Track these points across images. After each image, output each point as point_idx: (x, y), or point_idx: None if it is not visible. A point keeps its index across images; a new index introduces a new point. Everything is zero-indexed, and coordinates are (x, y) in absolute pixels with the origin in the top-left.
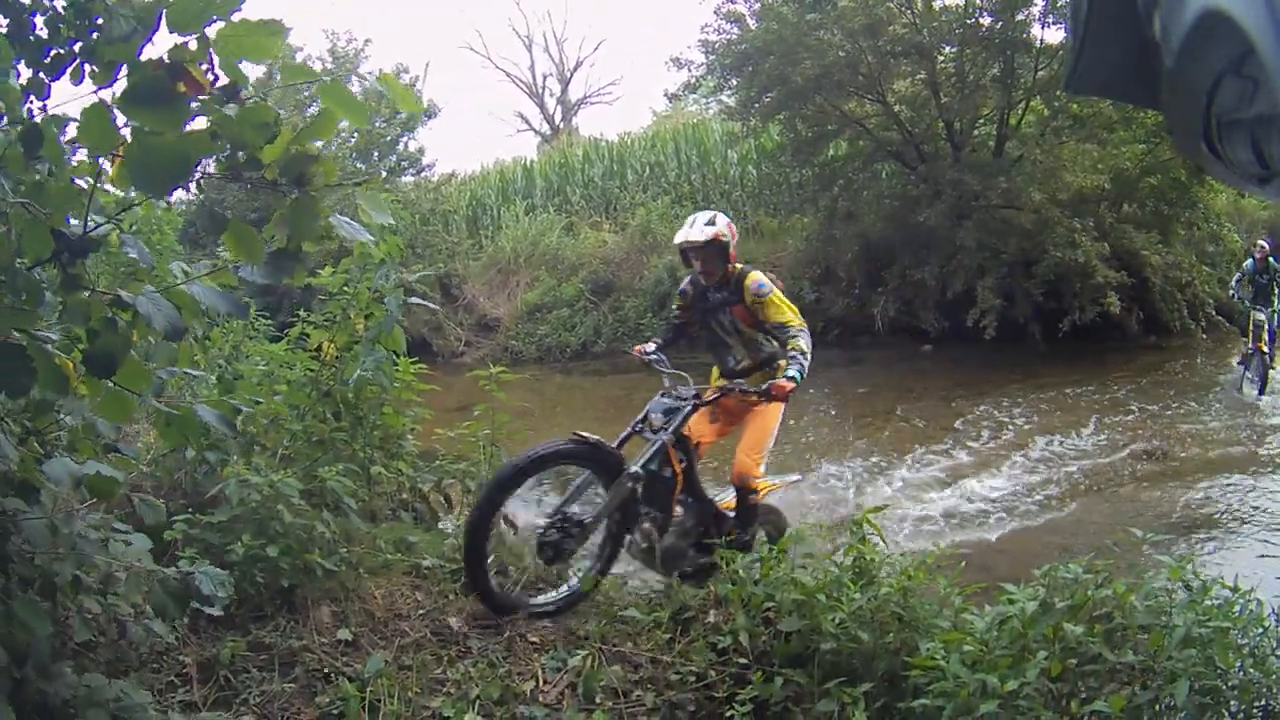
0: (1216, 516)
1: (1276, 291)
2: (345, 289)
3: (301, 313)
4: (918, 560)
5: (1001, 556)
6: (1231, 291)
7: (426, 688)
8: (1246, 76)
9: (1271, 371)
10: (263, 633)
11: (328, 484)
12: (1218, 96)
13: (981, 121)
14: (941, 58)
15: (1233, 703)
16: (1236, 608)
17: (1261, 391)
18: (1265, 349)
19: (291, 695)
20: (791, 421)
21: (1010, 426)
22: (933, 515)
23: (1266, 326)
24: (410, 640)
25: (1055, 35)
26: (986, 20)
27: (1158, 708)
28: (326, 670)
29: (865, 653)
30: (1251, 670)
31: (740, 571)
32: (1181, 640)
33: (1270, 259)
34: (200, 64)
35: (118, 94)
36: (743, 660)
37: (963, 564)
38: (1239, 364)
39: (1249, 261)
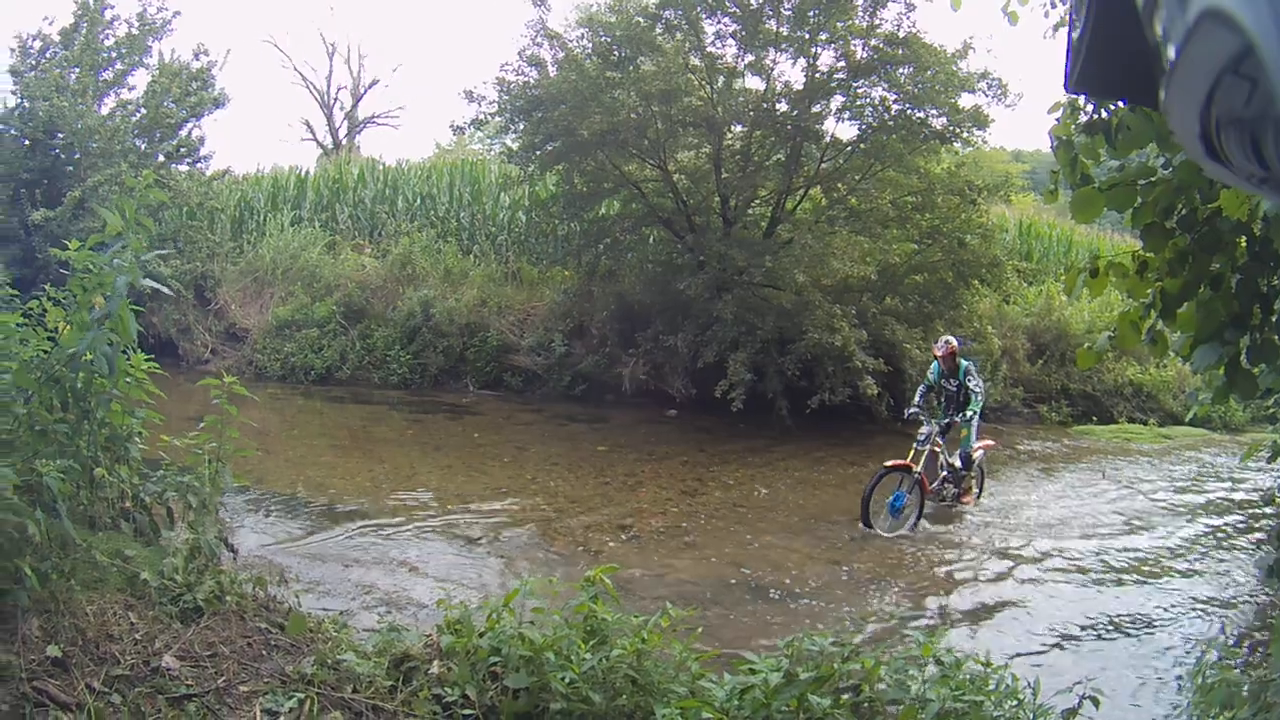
0: (975, 600)
1: (973, 398)
2: (90, 267)
3: (48, 288)
4: (652, 623)
5: (740, 627)
6: (913, 409)
7: None
8: (1246, 76)
9: (963, 505)
10: None
11: (45, 480)
12: (1217, 96)
13: (758, 202)
14: (730, 135)
15: None
16: (990, 682)
17: (915, 524)
18: (917, 469)
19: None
20: (529, 477)
21: (763, 497)
22: (682, 579)
23: (934, 444)
24: (123, 671)
25: (847, 131)
26: (783, 106)
27: None
28: (36, 690)
29: (597, 714)
30: None
31: (464, 622)
32: (936, 714)
33: (959, 357)
34: None
35: None
36: (468, 714)
37: (700, 630)
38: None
39: (933, 367)
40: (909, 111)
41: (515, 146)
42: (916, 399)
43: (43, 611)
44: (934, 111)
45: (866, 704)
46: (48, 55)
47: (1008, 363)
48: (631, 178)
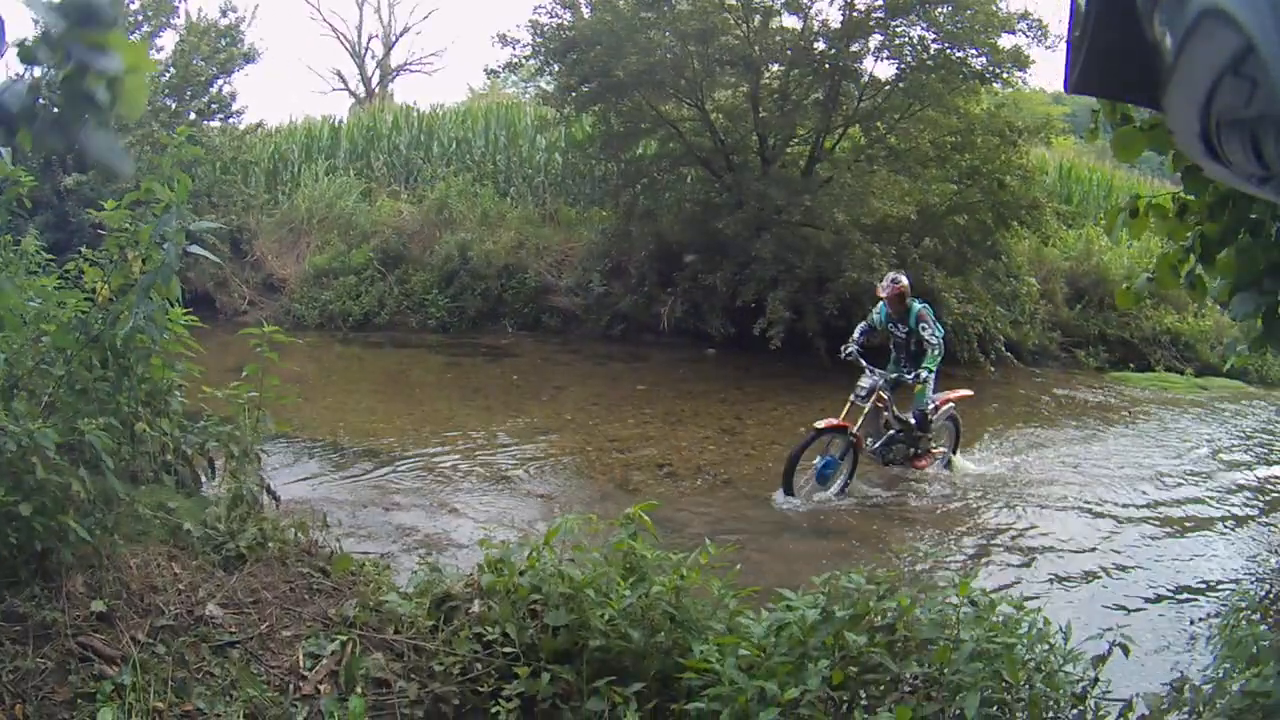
0: (1004, 543)
1: (930, 349)
2: (126, 226)
3: (84, 250)
4: (691, 559)
5: (778, 564)
6: (849, 350)
7: (186, 679)
8: (1246, 76)
9: (917, 469)
10: (17, 600)
11: (87, 438)
12: (1217, 96)
13: (796, 141)
14: (768, 74)
15: (1019, 715)
16: (1023, 625)
17: (843, 489)
18: (854, 430)
19: (46, 673)
20: (568, 416)
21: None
22: (720, 515)
23: (878, 399)
24: (167, 621)
25: (886, 70)
26: (820, 45)
27: (945, 719)
28: (81, 645)
29: (635, 651)
30: (1040, 685)
31: (505, 561)
32: (969, 654)
33: (910, 299)
34: None
35: None
36: (508, 652)
37: (738, 567)
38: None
39: (878, 306)
40: (948, 51)
41: (550, 89)
42: (856, 335)
43: (87, 567)
44: (973, 51)
45: (901, 642)
46: None
47: (1046, 306)
48: (669, 118)
